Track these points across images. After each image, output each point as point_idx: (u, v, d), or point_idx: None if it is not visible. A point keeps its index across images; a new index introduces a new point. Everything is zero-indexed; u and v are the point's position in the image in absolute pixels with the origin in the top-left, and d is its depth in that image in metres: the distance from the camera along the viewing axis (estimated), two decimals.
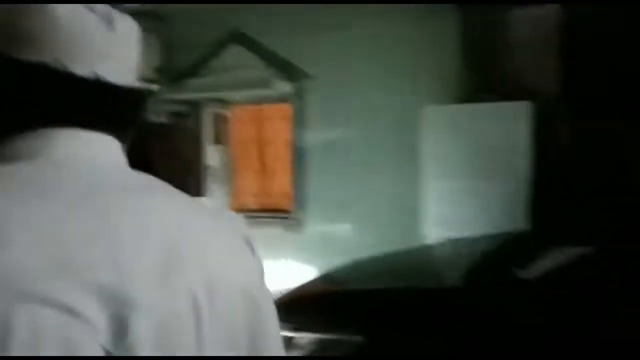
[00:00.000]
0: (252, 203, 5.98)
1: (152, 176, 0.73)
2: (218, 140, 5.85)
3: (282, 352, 0.75)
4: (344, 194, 5.25)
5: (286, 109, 5.69)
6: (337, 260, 5.17)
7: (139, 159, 1.28)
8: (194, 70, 5.56)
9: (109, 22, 0.67)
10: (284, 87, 5.20)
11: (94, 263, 0.57)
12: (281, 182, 5.79)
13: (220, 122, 5.87)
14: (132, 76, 0.72)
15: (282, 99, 5.61)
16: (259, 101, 5.76)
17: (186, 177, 1.53)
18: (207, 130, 6.00)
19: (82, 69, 0.65)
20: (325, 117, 5.28)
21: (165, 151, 1.50)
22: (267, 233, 5.56)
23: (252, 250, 0.74)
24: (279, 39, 5.24)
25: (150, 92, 0.94)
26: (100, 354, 0.56)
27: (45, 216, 0.58)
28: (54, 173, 0.63)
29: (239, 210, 5.93)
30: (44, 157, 0.64)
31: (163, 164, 1.47)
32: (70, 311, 0.55)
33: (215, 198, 5.91)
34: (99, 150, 0.68)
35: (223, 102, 5.80)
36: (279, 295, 2.62)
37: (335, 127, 5.27)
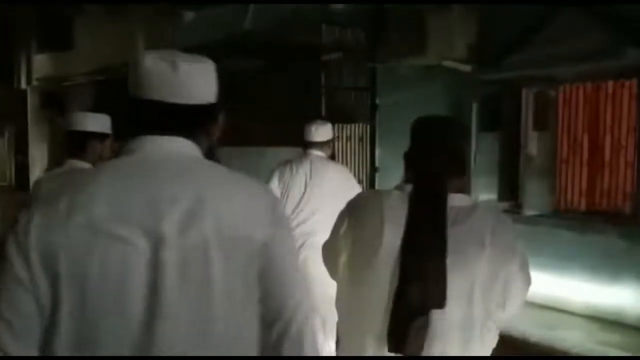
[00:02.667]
0: (580, 203, 4.91)
1: (210, 162, 1.17)
2: (540, 125, 4.96)
3: (294, 289, 1.09)
4: None
5: (633, 85, 4.44)
6: None
7: (411, 153, 1.54)
8: (516, 44, 4.78)
9: (174, 67, 1.12)
10: (636, 56, 4.00)
11: (145, 215, 1.03)
12: (622, 179, 4.58)
13: (543, 103, 4.96)
14: (195, 98, 1.16)
15: (628, 74, 4.39)
16: (596, 77, 4.64)
17: (455, 174, 1.53)
18: (527, 113, 5.15)
19: (157, 97, 1.12)
20: None
21: (433, 141, 1.56)
22: (601, 242, 4.48)
23: (272, 212, 1.11)
24: None
25: (216, 107, 1.21)
26: (144, 268, 1.02)
27: (124, 185, 1.06)
28: (137, 161, 1.12)
29: (564, 211, 4.94)
30: (137, 153, 1.13)
31: (437, 154, 1.52)
32: (127, 241, 1.01)
33: (531, 194, 5.06)
34: (169, 147, 1.12)
35: (548, 80, 4.86)
36: None
37: None
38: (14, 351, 0.98)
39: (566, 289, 4.64)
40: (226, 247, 1.05)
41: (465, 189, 1.58)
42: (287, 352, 1.08)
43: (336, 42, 6.30)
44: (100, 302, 1.00)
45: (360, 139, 6.40)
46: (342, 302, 1.62)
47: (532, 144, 4.96)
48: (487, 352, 1.54)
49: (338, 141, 7.04)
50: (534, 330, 4.32)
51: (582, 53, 4.31)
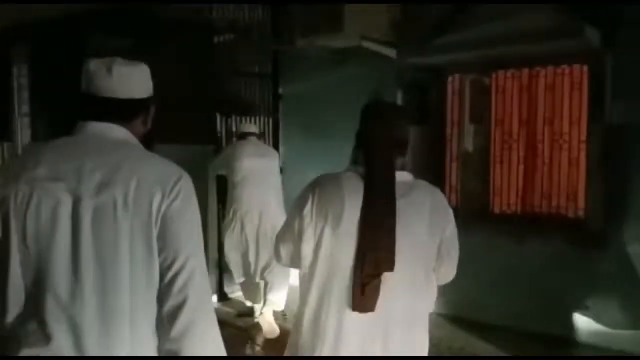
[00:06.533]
0: (517, 206, 4.38)
1: (136, 145, 1.48)
2: (476, 117, 4.36)
3: (184, 249, 1.36)
4: None
5: (578, 72, 3.97)
6: None
7: (361, 136, 1.76)
8: (445, 23, 4.12)
9: (109, 70, 1.45)
10: (588, 38, 3.49)
11: (71, 179, 1.35)
12: (564, 178, 4.11)
13: (478, 93, 4.37)
14: (126, 94, 1.47)
15: (575, 58, 3.92)
16: (537, 62, 4.12)
17: (399, 155, 1.73)
18: (454, 104, 4.56)
19: (96, 93, 1.45)
20: None
21: (382, 128, 1.73)
22: (543, 250, 3.98)
23: (175, 185, 1.37)
24: None
25: (147, 101, 1.55)
26: (67, 219, 1.32)
27: (61, 155, 1.39)
28: (75, 139, 1.44)
29: (500, 214, 4.39)
30: (77, 133, 1.45)
31: (385, 140, 1.71)
32: (55, 196, 1.33)
33: (466, 194, 4.47)
34: (103, 130, 1.45)
35: (483, 65, 4.28)
36: None
37: None
38: None
39: (506, 304, 4.08)
40: (131, 210, 1.33)
41: (406, 167, 1.75)
42: (174, 296, 1.35)
43: (231, 21, 5.29)
44: (37, 240, 1.33)
45: (262, 135, 5.45)
46: (307, 273, 1.79)
47: (468, 139, 4.36)
48: (430, 306, 1.79)
49: (235, 138, 6.05)
50: None
51: (523, 33, 3.75)
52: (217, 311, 4.67)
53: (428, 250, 1.72)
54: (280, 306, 4.36)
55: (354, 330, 1.68)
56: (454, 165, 4.59)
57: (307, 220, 1.75)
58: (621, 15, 3.47)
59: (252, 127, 4.68)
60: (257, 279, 4.37)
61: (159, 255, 1.35)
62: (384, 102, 1.86)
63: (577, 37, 3.43)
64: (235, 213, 4.35)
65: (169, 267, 1.35)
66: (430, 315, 1.78)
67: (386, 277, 1.63)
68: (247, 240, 4.33)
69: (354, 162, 1.77)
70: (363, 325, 1.67)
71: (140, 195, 1.34)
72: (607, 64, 3.57)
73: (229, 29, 5.35)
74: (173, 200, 1.36)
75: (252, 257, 4.33)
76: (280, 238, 1.89)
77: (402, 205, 1.65)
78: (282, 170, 5.40)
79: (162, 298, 1.36)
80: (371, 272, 1.62)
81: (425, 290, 1.74)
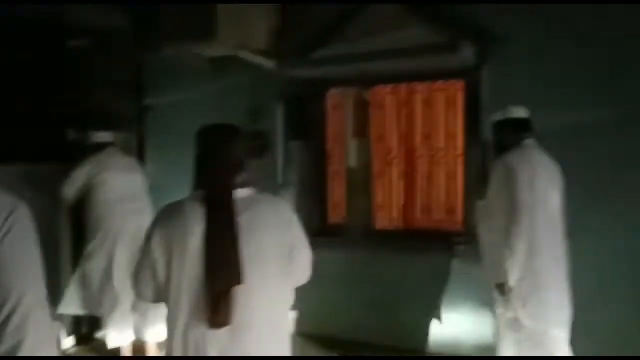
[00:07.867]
0: (399, 220, 4.36)
1: None
2: (357, 132, 4.27)
3: (18, 283, 1.21)
4: None
5: (455, 88, 4.05)
6: None
7: (197, 160, 1.83)
8: (324, 36, 4.00)
9: None
10: (464, 54, 3.54)
11: None
12: (444, 192, 4.16)
13: (358, 107, 4.29)
14: None
15: (451, 74, 3.98)
16: (414, 77, 4.14)
17: (237, 173, 1.82)
18: (338, 119, 4.44)
19: None
20: (522, 100, 3.57)
21: (214, 151, 1.84)
22: (424, 261, 3.97)
23: (6, 218, 1.21)
24: None
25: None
26: None
27: None
28: None
29: (382, 230, 4.33)
30: None
31: (218, 162, 1.82)
32: None
33: (349, 210, 4.34)
34: None
35: (362, 80, 4.21)
36: None
37: (538, 111, 3.55)
38: None
39: (386, 322, 4.00)
40: None
41: (246, 183, 1.83)
42: (9, 336, 1.22)
43: (88, 22, 4.71)
44: None
45: (124, 150, 4.89)
46: (168, 301, 1.83)
47: (350, 155, 4.24)
48: (287, 311, 1.90)
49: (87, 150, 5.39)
50: None
51: (400, 49, 3.73)
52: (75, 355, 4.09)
53: (278, 258, 1.80)
54: (160, 338, 3.84)
55: (215, 346, 1.73)
56: (336, 181, 4.47)
57: (156, 252, 1.80)
58: (495, 31, 3.58)
59: (107, 137, 4.19)
60: (128, 310, 3.80)
61: None
62: (216, 124, 1.92)
63: (453, 53, 3.46)
64: (104, 235, 3.83)
65: (1, 306, 1.25)
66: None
67: (240, 290, 1.71)
68: (118, 265, 3.76)
69: (196, 186, 1.84)
70: (223, 339, 1.72)
71: None
72: (481, 79, 3.66)
73: (84, 32, 4.76)
74: (7, 233, 1.25)
75: (120, 283, 3.73)
76: (137, 276, 1.88)
77: (245, 220, 1.75)
78: (150, 189, 4.91)
79: None
80: (221, 289, 1.70)
81: (283, 296, 1.84)
